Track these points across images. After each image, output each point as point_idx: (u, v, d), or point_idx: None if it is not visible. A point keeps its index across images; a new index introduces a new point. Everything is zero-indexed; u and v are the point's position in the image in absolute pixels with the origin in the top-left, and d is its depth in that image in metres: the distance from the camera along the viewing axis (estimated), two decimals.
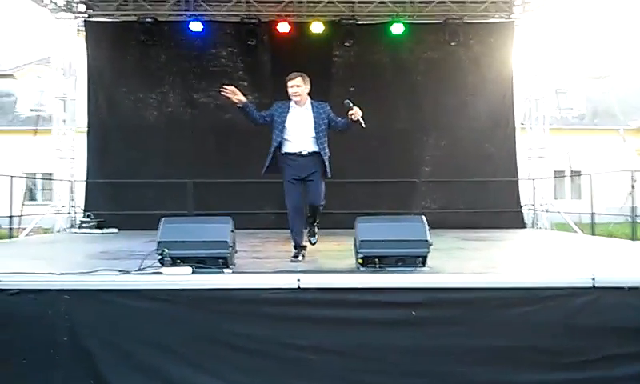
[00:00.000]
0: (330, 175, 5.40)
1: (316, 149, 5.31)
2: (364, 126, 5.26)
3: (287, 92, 5.36)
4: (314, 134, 5.29)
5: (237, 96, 5.26)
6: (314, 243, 5.61)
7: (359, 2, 11.03)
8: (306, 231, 5.57)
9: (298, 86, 5.28)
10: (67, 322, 3.85)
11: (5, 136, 20.51)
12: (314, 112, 5.35)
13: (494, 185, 10.88)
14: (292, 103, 5.37)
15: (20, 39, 22.85)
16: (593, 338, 3.91)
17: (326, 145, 5.38)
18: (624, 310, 3.92)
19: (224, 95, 5.28)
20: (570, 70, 21.52)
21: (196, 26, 10.69)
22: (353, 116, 5.23)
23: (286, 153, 5.33)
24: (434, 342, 3.93)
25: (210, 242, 4.42)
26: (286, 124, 5.30)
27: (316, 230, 5.61)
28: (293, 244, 5.46)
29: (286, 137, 5.31)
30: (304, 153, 5.30)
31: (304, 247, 5.46)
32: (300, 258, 5.37)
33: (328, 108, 5.41)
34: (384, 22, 10.95)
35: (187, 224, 4.73)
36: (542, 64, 11.36)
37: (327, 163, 5.33)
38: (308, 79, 5.39)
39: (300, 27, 10.80)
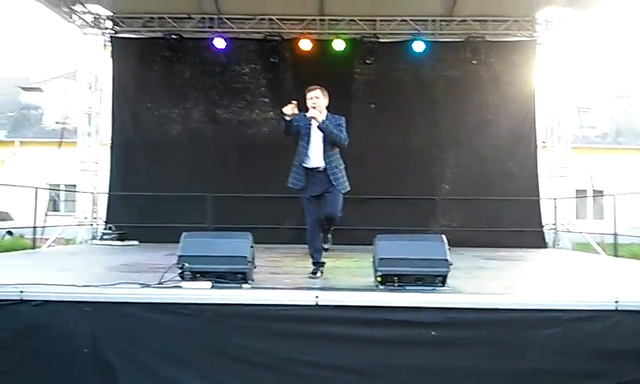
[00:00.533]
0: (347, 189, 5.38)
1: (326, 164, 5.31)
2: (317, 121, 5.27)
3: (307, 104, 5.38)
4: (323, 150, 5.30)
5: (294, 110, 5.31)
6: (328, 249, 5.57)
7: (381, 20, 11.10)
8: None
9: (317, 98, 5.32)
10: (88, 333, 3.90)
11: (31, 148, 20.98)
12: (330, 121, 5.36)
13: (516, 203, 10.77)
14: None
15: (48, 53, 23.44)
16: (615, 361, 3.84)
17: (334, 158, 5.35)
18: None
19: (287, 112, 5.27)
20: (593, 88, 21.30)
21: (219, 43, 10.87)
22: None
23: (307, 168, 5.34)
24: (453, 363, 3.89)
25: (229, 257, 4.45)
26: (311, 137, 5.33)
27: (329, 236, 5.55)
28: (311, 260, 5.47)
29: (308, 151, 5.33)
30: (320, 168, 5.32)
31: (322, 264, 5.46)
32: (318, 274, 5.38)
33: (342, 121, 5.38)
34: (405, 39, 11.00)
35: (207, 238, 4.76)
36: (565, 82, 11.26)
37: (340, 178, 5.33)
38: (327, 93, 5.42)
39: (322, 45, 10.90)
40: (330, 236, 5.55)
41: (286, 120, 5.29)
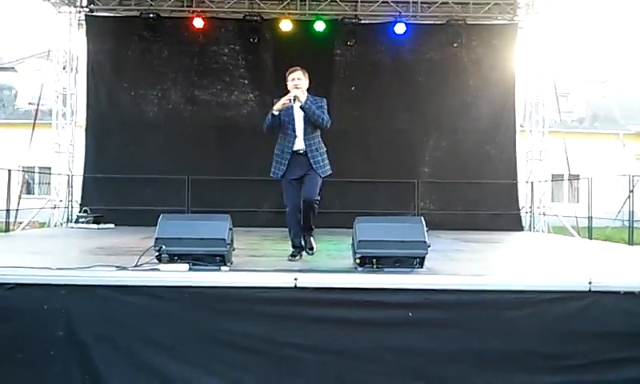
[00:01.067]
0: (327, 173, 5.29)
1: (306, 147, 5.21)
2: (299, 101, 5.13)
3: (287, 86, 5.27)
4: (303, 131, 5.20)
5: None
6: (312, 253, 5.44)
7: (362, 1, 11.04)
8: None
9: (299, 79, 5.20)
10: (63, 316, 3.84)
11: (4, 129, 20.49)
12: (312, 102, 5.22)
13: (494, 187, 10.90)
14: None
15: (21, 33, 22.85)
16: (588, 342, 3.91)
17: (315, 141, 5.26)
18: (619, 315, 3.92)
19: (285, 102, 5.13)
20: (571, 73, 21.52)
21: (198, 23, 10.70)
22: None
23: (294, 151, 5.21)
24: (430, 344, 3.93)
25: (207, 240, 4.40)
26: (295, 119, 5.20)
27: (312, 241, 5.44)
28: (291, 243, 5.45)
29: (295, 133, 5.21)
30: (301, 151, 5.22)
31: (302, 247, 5.40)
32: (298, 257, 5.35)
33: (323, 103, 5.27)
34: (386, 21, 10.95)
35: (185, 221, 4.72)
36: (544, 67, 11.35)
37: (320, 162, 5.23)
38: (307, 74, 5.31)
39: (302, 25, 10.80)
40: (312, 240, 5.44)
41: (274, 115, 5.15)
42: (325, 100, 5.32)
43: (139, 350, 3.87)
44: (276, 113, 5.14)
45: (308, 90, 5.32)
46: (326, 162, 5.32)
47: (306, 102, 5.14)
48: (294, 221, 5.33)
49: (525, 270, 5.53)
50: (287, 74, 5.29)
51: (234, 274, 4.22)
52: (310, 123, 5.19)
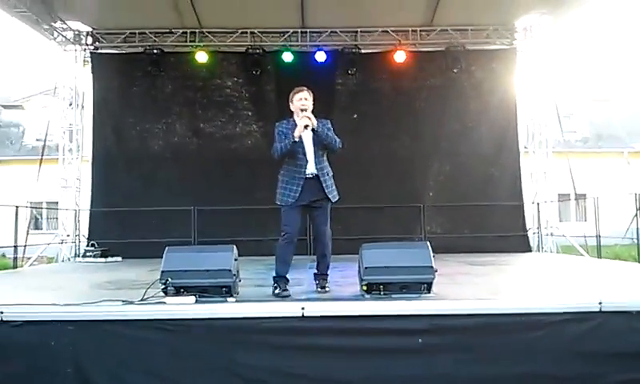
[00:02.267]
0: (337, 198, 5.10)
1: (316, 172, 5.00)
2: (312, 125, 4.93)
3: (291, 108, 5.10)
4: (314, 155, 4.99)
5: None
6: (327, 292, 5.10)
7: (362, 31, 11.17)
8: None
9: (306, 99, 5.01)
10: (71, 353, 3.84)
11: (12, 166, 20.69)
12: (320, 126, 5.03)
13: (499, 209, 10.85)
14: (297, 119, 5.03)
15: (28, 71, 23.22)
16: (599, 363, 3.86)
17: (326, 164, 5.09)
18: (631, 335, 3.88)
19: (302, 127, 4.88)
20: (573, 93, 21.59)
21: (201, 57, 10.86)
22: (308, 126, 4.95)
23: (306, 176, 4.97)
24: (440, 370, 3.89)
25: (213, 271, 4.41)
26: (304, 141, 4.95)
27: (327, 284, 5.17)
28: (275, 274, 5.01)
29: (307, 158, 4.96)
30: (313, 175, 4.98)
31: (287, 280, 5.02)
32: (288, 292, 4.87)
33: (329, 125, 5.10)
34: (386, 50, 11.07)
35: (190, 253, 4.72)
36: (545, 88, 11.38)
37: (330, 186, 5.04)
38: (312, 95, 5.12)
39: (303, 57, 10.93)
40: (326, 283, 5.16)
41: (295, 141, 4.88)
42: (330, 121, 5.15)
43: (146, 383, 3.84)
44: (297, 139, 4.87)
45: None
46: (335, 186, 5.12)
47: (318, 125, 4.93)
48: (291, 249, 5.04)
49: (534, 291, 5.48)
50: (293, 95, 5.10)
51: (240, 305, 4.20)
52: (321, 146, 5.00)
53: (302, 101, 5.01)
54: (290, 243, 5.04)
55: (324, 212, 5.06)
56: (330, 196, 5.04)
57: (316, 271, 5.25)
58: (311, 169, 4.98)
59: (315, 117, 5.01)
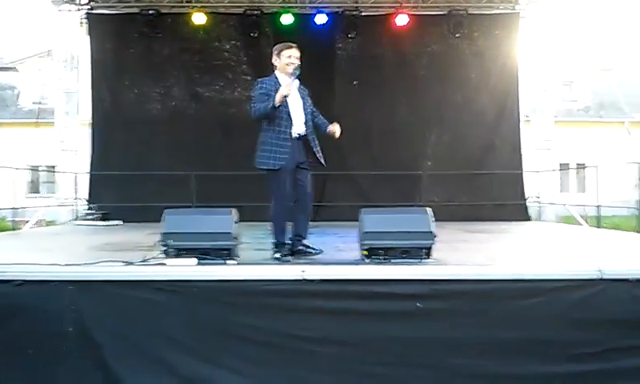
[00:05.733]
0: (324, 164, 4.94)
1: (305, 132, 4.83)
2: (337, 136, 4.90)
3: (274, 63, 4.86)
4: (304, 116, 4.82)
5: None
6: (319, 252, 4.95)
7: None
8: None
9: (296, 58, 4.76)
10: (72, 312, 3.85)
11: (8, 129, 20.56)
12: (300, 91, 4.87)
13: (499, 177, 10.85)
14: (281, 77, 4.78)
15: (22, 32, 22.88)
16: (598, 330, 3.89)
17: (311, 124, 4.90)
18: (630, 303, 3.89)
19: (286, 92, 4.66)
20: (576, 62, 21.41)
21: (199, 18, 10.68)
22: (334, 134, 4.90)
23: (290, 138, 4.77)
24: (439, 334, 3.91)
25: (213, 234, 4.40)
26: (289, 101, 4.72)
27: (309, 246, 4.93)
28: (275, 240, 4.90)
29: (291, 117, 4.76)
30: (299, 136, 4.80)
31: (287, 244, 4.89)
32: (289, 257, 4.76)
33: (308, 95, 4.96)
34: (387, 13, 10.89)
35: (191, 215, 4.72)
36: (548, 56, 11.26)
37: (317, 144, 4.89)
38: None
39: (303, 19, 10.75)
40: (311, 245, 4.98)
41: (274, 107, 4.64)
42: (307, 90, 4.98)
43: (148, 344, 3.88)
44: (277, 105, 4.64)
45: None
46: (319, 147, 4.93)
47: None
48: (287, 213, 4.86)
49: (533, 258, 5.50)
50: (280, 50, 4.83)
51: (241, 268, 4.21)
52: (309, 111, 4.88)
53: (291, 58, 4.77)
54: (285, 207, 4.87)
55: (307, 174, 4.90)
56: (321, 160, 4.89)
57: (296, 236, 4.97)
58: (298, 130, 4.79)
59: (300, 80, 4.82)
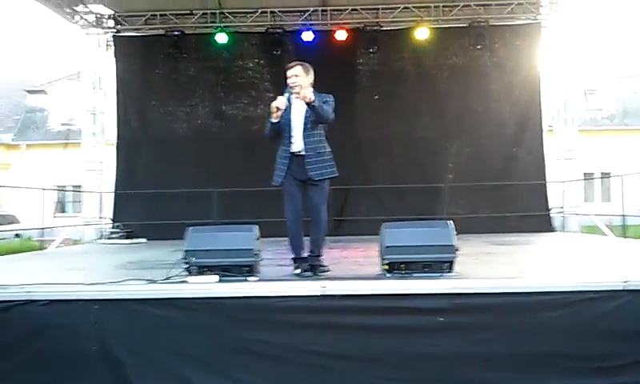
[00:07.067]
0: (324, 176, 4.84)
1: (303, 148, 4.79)
2: (311, 100, 4.67)
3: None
4: (303, 131, 4.79)
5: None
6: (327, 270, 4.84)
7: (383, 8, 11.04)
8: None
9: (297, 76, 4.79)
10: (97, 331, 3.91)
11: (38, 150, 21.08)
12: (317, 98, 4.76)
13: (522, 188, 10.70)
14: (291, 96, 4.85)
15: (52, 55, 23.54)
16: (625, 342, 3.81)
17: (315, 140, 4.81)
18: None
19: (278, 106, 4.75)
20: (599, 69, 21.08)
21: (222, 38, 10.86)
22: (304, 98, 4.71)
23: (292, 153, 4.82)
24: (462, 349, 3.87)
25: (235, 250, 4.44)
26: (291, 118, 4.80)
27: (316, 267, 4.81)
28: (293, 255, 4.94)
29: (292, 134, 4.81)
30: (299, 153, 4.80)
31: (305, 259, 4.89)
32: (309, 272, 4.75)
33: (330, 99, 4.83)
34: (408, 27, 10.92)
35: (213, 232, 4.75)
36: (570, 64, 11.14)
37: (315, 162, 4.79)
38: (311, 69, 4.89)
39: (324, 35, 10.84)
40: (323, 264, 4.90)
41: (272, 123, 4.77)
42: (332, 96, 4.87)
43: (170, 361, 3.91)
44: (274, 121, 4.76)
45: (313, 85, 4.88)
46: (326, 163, 4.85)
47: (314, 101, 4.65)
48: (298, 227, 4.90)
49: (558, 270, 5.41)
50: (286, 70, 4.91)
51: (261, 284, 4.23)
52: (312, 121, 4.78)
53: (291, 79, 4.83)
54: (294, 222, 4.89)
55: (317, 190, 4.84)
56: (310, 173, 4.77)
57: (310, 251, 4.95)
58: (297, 146, 4.81)
59: (317, 92, 4.78)
